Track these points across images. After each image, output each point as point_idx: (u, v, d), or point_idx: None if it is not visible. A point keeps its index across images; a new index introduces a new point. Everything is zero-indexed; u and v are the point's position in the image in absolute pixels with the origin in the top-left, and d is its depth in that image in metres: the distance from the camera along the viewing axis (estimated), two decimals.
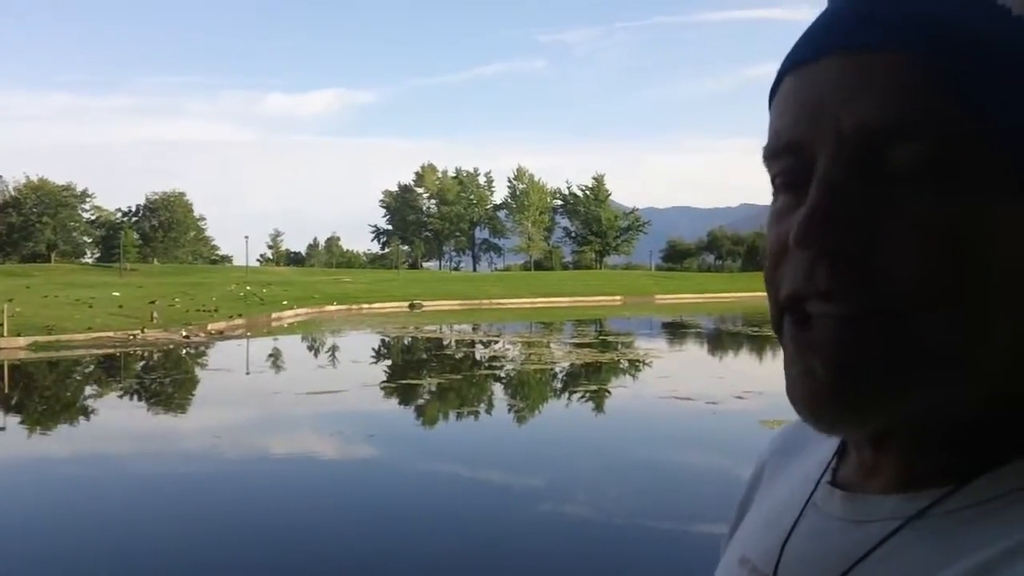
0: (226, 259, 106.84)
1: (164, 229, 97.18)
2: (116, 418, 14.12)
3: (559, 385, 18.26)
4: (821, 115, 0.50)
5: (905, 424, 0.51)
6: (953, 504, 0.50)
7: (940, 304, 0.47)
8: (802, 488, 0.62)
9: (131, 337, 26.27)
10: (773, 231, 0.54)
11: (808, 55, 0.52)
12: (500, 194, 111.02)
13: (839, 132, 0.49)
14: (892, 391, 0.49)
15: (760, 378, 17.10)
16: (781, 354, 0.54)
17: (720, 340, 30.67)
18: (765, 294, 0.56)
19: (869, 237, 0.48)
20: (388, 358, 24.39)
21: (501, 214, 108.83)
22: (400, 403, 15.71)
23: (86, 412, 14.96)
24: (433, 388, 17.22)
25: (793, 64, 0.53)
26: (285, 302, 41.63)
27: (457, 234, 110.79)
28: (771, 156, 0.54)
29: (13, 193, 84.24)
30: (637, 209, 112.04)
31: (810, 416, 0.52)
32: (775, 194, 0.55)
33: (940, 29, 0.48)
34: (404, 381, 18.24)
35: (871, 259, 0.48)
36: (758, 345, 26.09)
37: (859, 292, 0.49)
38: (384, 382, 18.37)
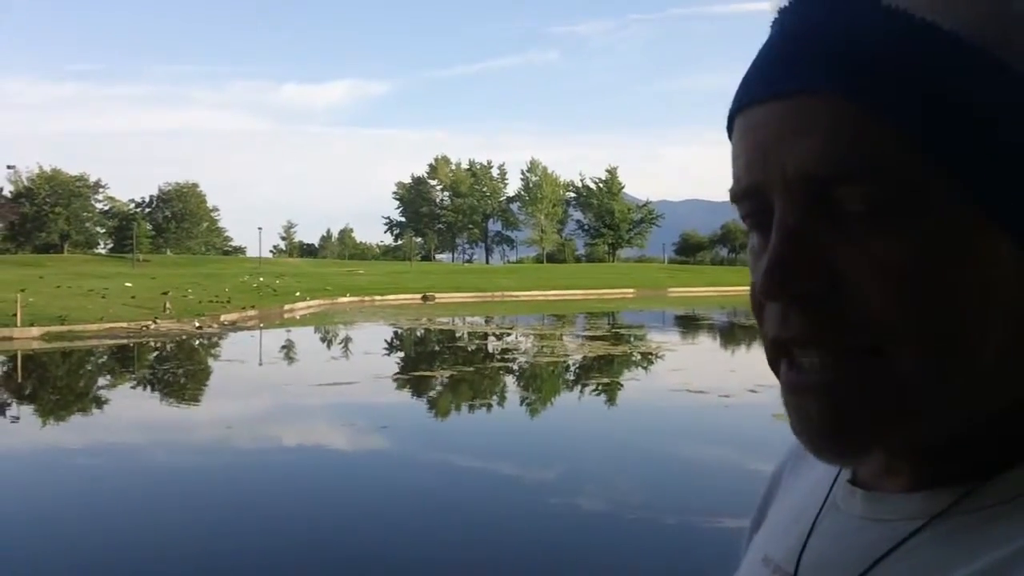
0: (239, 250, 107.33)
1: (177, 220, 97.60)
2: (129, 408, 14.13)
3: (571, 378, 18.19)
4: (768, 161, 0.50)
5: (908, 444, 0.52)
6: (974, 503, 0.50)
7: (911, 339, 0.47)
8: (822, 486, 0.63)
9: (144, 328, 26.34)
10: (753, 272, 0.54)
11: (748, 98, 0.52)
12: (513, 186, 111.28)
13: (786, 178, 0.49)
14: (882, 427, 0.49)
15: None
16: None
17: (733, 333, 30.53)
18: None
19: (832, 280, 0.48)
20: (401, 350, 24.37)
21: (514, 206, 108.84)
22: (412, 395, 15.70)
23: (99, 402, 15.00)
24: (445, 380, 17.17)
25: (739, 106, 0.53)
26: (298, 293, 41.65)
27: (470, 226, 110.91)
28: (735, 199, 0.54)
29: (27, 183, 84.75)
30: (650, 202, 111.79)
31: (813, 452, 0.52)
32: (748, 232, 0.55)
33: (867, 65, 0.46)
34: (416, 373, 18.23)
35: (838, 302, 0.48)
36: None
37: (832, 335, 0.49)
38: (397, 374, 18.36)
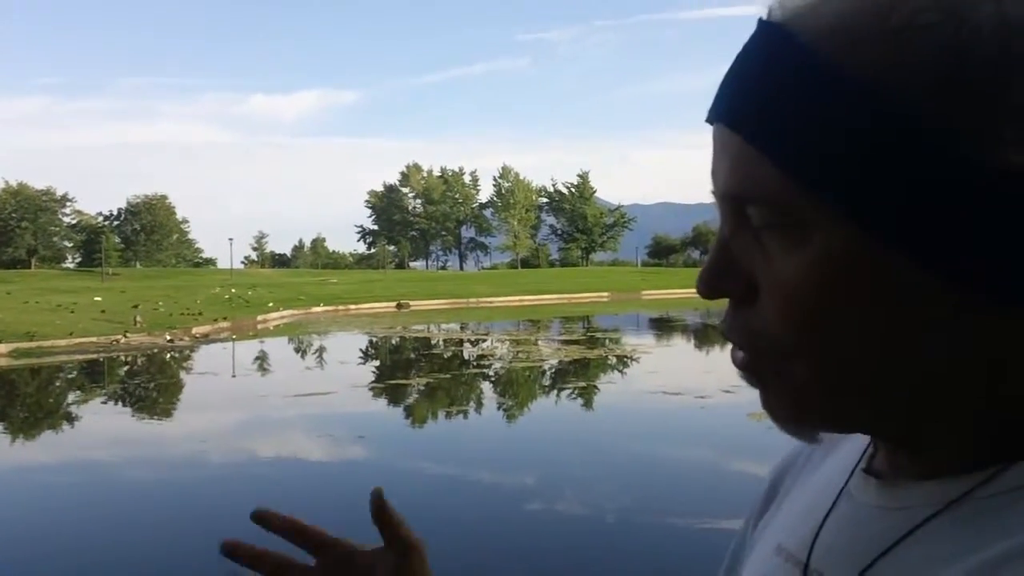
0: (210, 262, 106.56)
1: (146, 233, 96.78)
2: (100, 424, 13.94)
3: (548, 382, 18.17)
4: (713, 174, 0.55)
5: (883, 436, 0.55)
6: (992, 489, 0.50)
7: (803, 350, 0.51)
8: (837, 477, 0.63)
9: (114, 342, 26.03)
10: None
11: (709, 114, 0.56)
12: (486, 193, 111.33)
13: (718, 193, 0.54)
14: (800, 421, 0.54)
15: None
16: None
17: (707, 334, 30.64)
18: None
19: (748, 288, 0.53)
20: (376, 359, 24.26)
21: (487, 212, 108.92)
22: (389, 404, 15.60)
23: (70, 419, 14.77)
24: (422, 388, 17.10)
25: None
26: (271, 304, 41.36)
27: (443, 233, 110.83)
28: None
29: None
30: (622, 206, 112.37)
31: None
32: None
33: (755, 102, 0.51)
34: (393, 381, 18.12)
35: (750, 309, 0.53)
36: None
37: (745, 335, 0.54)
38: (372, 383, 18.25)
